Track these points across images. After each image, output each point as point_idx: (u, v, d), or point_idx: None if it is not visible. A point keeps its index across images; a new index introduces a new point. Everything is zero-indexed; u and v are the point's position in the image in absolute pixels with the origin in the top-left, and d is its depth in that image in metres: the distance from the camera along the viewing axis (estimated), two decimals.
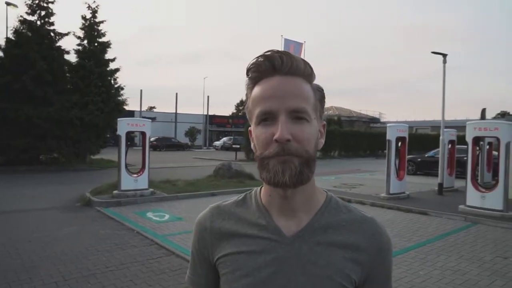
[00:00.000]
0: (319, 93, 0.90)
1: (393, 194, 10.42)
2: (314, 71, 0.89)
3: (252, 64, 0.86)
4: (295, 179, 0.80)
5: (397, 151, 11.06)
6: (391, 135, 10.68)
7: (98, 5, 19.95)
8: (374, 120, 61.74)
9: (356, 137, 33.70)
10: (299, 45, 26.58)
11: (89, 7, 19.76)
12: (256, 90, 0.86)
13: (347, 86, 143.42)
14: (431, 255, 5.77)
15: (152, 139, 37.73)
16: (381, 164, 11.75)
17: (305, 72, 0.86)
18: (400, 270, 5.07)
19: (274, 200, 0.89)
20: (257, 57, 0.85)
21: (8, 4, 21.42)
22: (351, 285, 0.87)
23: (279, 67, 0.83)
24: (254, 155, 0.87)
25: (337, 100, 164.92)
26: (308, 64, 0.87)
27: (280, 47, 25.52)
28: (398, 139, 10.98)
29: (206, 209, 0.99)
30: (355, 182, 14.51)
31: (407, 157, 12.36)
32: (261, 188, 0.95)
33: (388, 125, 11.27)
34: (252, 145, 0.89)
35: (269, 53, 0.85)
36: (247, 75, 0.88)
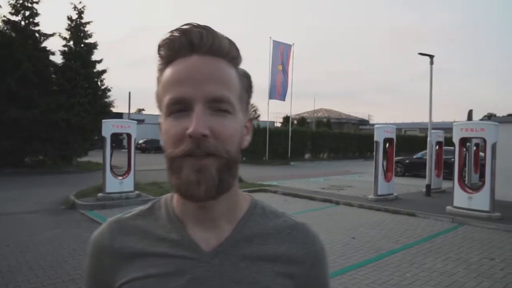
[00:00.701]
0: (246, 81, 0.75)
1: (381, 196, 10.41)
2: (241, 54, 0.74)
3: (164, 40, 0.69)
4: (213, 191, 0.65)
5: (385, 152, 11.06)
6: (378, 137, 10.67)
7: (84, 6, 19.71)
8: (363, 122, 62.16)
9: (345, 139, 33.86)
10: (288, 47, 26.59)
11: (75, 7, 19.51)
12: (168, 72, 0.68)
13: (336, 88, 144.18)
14: (418, 257, 5.73)
15: (140, 141, 37.56)
16: (370, 165, 11.74)
17: (230, 53, 0.70)
18: (387, 273, 5.02)
19: (189, 209, 0.72)
20: (172, 31, 0.68)
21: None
22: None
23: (197, 44, 0.67)
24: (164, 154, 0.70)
25: (326, 102, 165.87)
26: (234, 44, 0.72)
27: (269, 48, 25.55)
28: (386, 140, 10.98)
29: (103, 224, 0.79)
30: (343, 184, 14.50)
31: (395, 158, 12.39)
32: (172, 194, 0.77)
33: (375, 126, 11.28)
34: (162, 142, 0.71)
35: (187, 27, 0.68)
36: (158, 53, 0.70)
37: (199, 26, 0.68)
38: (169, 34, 0.69)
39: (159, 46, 0.70)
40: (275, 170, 21.05)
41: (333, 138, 32.75)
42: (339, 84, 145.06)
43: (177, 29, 0.68)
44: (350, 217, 8.67)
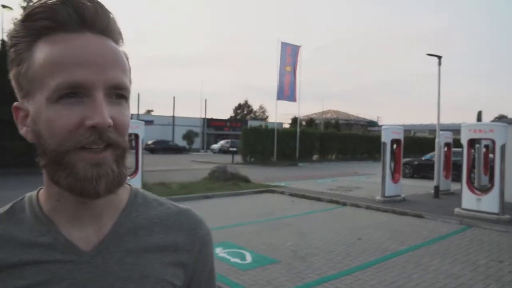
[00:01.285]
0: (128, 63, 0.66)
1: (389, 197, 10.35)
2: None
3: (40, 7, 0.58)
4: (114, 185, 0.60)
5: (393, 154, 11.00)
6: (386, 138, 10.62)
7: None
8: (372, 123, 61.87)
9: (354, 140, 33.75)
10: (296, 48, 26.60)
11: None
12: (51, 49, 0.58)
13: (345, 89, 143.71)
14: (424, 258, 5.69)
15: (149, 142, 37.74)
16: (378, 167, 11.68)
17: (119, 33, 0.63)
18: (392, 274, 4.99)
19: (65, 206, 0.64)
20: None
21: (4, 6, 21.46)
22: None
23: (91, 20, 0.59)
24: (39, 151, 0.61)
25: (335, 103, 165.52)
26: (116, 21, 0.64)
27: (276, 50, 25.57)
28: (393, 141, 10.92)
29: None
30: (351, 185, 14.44)
31: (404, 160, 12.31)
32: (38, 192, 0.68)
33: (383, 127, 11.22)
34: (23, 131, 0.63)
35: None
36: (25, 21, 0.59)
37: None
38: (48, 1, 0.58)
39: (30, 14, 0.59)
40: (283, 171, 21.03)
41: (342, 139, 32.65)
42: (348, 85, 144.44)
43: None
44: (356, 218, 8.63)
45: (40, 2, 0.58)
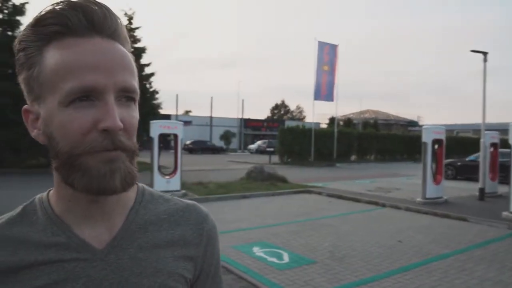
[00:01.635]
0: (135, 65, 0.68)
1: (430, 199, 10.03)
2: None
3: (50, 13, 0.59)
4: (126, 182, 0.61)
5: (434, 154, 10.66)
6: (426, 138, 10.30)
7: (134, 12, 20.62)
8: (412, 123, 60.18)
9: (393, 140, 32.94)
10: (333, 47, 26.32)
11: (125, 14, 20.39)
12: (62, 53, 0.59)
13: (384, 89, 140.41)
14: (469, 264, 5.47)
15: (187, 142, 38.45)
16: (419, 168, 11.35)
17: (126, 36, 0.65)
18: (434, 278, 4.84)
19: (77, 206, 0.65)
20: (58, 3, 0.60)
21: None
22: (186, 285, 0.73)
23: (99, 26, 0.60)
24: (51, 153, 0.62)
25: (373, 103, 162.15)
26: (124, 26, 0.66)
27: (313, 49, 25.37)
28: (435, 141, 10.58)
29: None
30: (391, 186, 14.10)
31: (446, 161, 11.91)
32: (47, 193, 0.70)
33: (423, 127, 10.91)
34: (34, 134, 0.64)
35: (80, 1, 0.60)
36: (36, 26, 0.60)
37: (96, 3, 0.61)
38: (54, 6, 0.60)
39: (41, 19, 0.60)
40: (320, 171, 20.83)
41: (380, 140, 31.96)
42: (387, 85, 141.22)
43: (66, 2, 0.60)
44: (396, 220, 8.43)
45: (50, 7, 0.60)
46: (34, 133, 0.64)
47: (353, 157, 30.39)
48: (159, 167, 10.38)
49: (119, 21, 0.63)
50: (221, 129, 49.12)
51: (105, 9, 0.61)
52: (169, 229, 0.73)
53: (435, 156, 10.77)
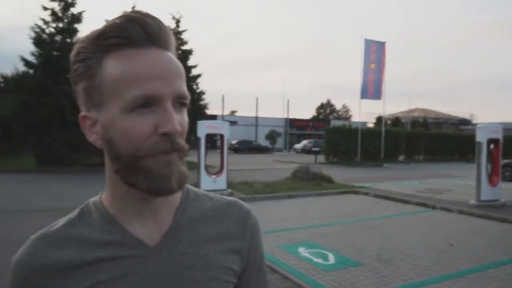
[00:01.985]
0: None
1: (485, 201, 9.56)
2: None
3: (113, 27, 0.64)
4: (182, 182, 0.66)
5: (490, 154, 10.15)
6: (481, 137, 9.83)
7: (181, 16, 21.15)
8: (465, 122, 57.45)
9: (444, 140, 31.67)
10: (380, 45, 25.68)
11: (173, 17, 20.99)
12: (124, 64, 0.63)
13: (434, 86, 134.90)
14: None
15: (233, 142, 38.92)
16: (472, 169, 10.86)
17: (175, 46, 0.70)
18: (491, 286, 4.62)
19: (129, 205, 0.71)
20: (120, 18, 0.64)
21: (106, 21, 23.97)
22: (234, 277, 0.77)
23: (156, 37, 0.65)
24: (110, 156, 0.67)
25: (422, 101, 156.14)
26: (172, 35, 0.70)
27: (360, 48, 24.89)
28: (490, 141, 10.07)
29: (25, 244, 0.71)
30: (441, 187, 13.58)
31: (503, 161, 11.31)
32: (100, 196, 0.76)
33: (477, 126, 10.42)
34: (92, 139, 0.69)
35: (137, 15, 0.65)
36: (97, 38, 0.65)
37: (151, 16, 0.66)
38: (115, 21, 0.65)
39: (103, 33, 0.65)
40: (367, 171, 20.43)
41: (430, 139, 30.82)
42: (437, 82, 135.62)
43: (126, 17, 0.64)
44: (447, 223, 8.12)
45: (111, 22, 0.64)
46: (92, 137, 0.69)
47: (401, 157, 29.50)
48: (206, 167, 10.61)
49: (170, 32, 0.68)
50: (266, 129, 49.32)
51: (159, 21, 0.66)
52: (214, 225, 0.77)
53: (491, 156, 10.26)
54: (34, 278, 0.67)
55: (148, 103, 0.63)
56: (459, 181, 15.84)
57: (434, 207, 9.70)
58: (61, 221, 0.73)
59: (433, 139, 31.01)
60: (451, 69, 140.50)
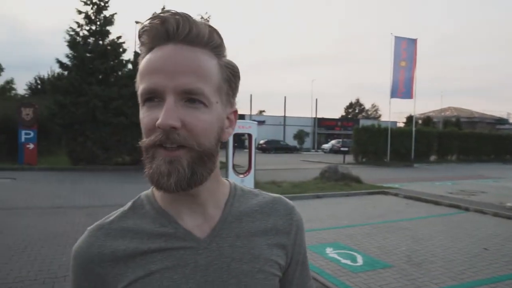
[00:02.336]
0: (228, 71, 0.72)
1: None
2: (225, 43, 0.72)
3: (143, 28, 0.68)
4: (184, 183, 0.65)
5: None
6: None
7: (209, 16, 21.30)
8: (501, 121, 55.43)
9: (478, 139, 30.70)
10: (412, 42, 25.09)
11: (201, 17, 21.18)
12: (144, 60, 0.68)
13: (467, 84, 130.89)
14: None
15: (261, 142, 38.99)
16: (509, 170, 10.48)
17: (210, 41, 0.69)
18: None
19: (177, 198, 0.73)
20: (150, 18, 0.67)
21: (137, 22, 24.64)
22: (280, 271, 0.80)
23: (173, 32, 0.65)
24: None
25: (455, 100, 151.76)
26: (217, 32, 0.70)
27: (390, 46, 24.43)
28: None
29: (84, 235, 0.75)
30: (475, 189, 13.15)
31: None
32: (152, 189, 0.78)
33: None
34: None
35: (164, 14, 0.66)
36: (140, 41, 0.70)
37: (177, 13, 0.66)
38: (149, 21, 0.67)
39: (139, 34, 0.69)
40: (397, 172, 20.03)
41: (463, 139, 29.92)
42: (471, 80, 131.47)
43: (156, 16, 0.67)
44: (481, 225, 7.85)
45: (144, 23, 0.68)
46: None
47: (432, 158, 28.78)
48: (234, 166, 10.67)
49: (195, 26, 0.66)
50: (294, 129, 49.14)
51: (180, 16, 0.65)
52: (261, 220, 0.80)
53: None
54: (93, 266, 0.71)
55: (153, 97, 0.65)
56: (494, 183, 15.31)
57: (467, 209, 9.41)
58: (115, 213, 0.77)
59: (466, 139, 30.11)
60: (487, 66, 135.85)
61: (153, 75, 0.64)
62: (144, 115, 0.66)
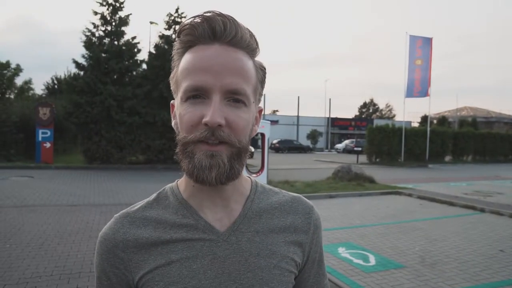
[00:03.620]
0: (262, 73, 0.77)
1: None
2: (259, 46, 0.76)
3: (186, 25, 0.70)
4: (224, 177, 0.69)
5: None
6: None
7: None
8: None
9: (494, 140, 30.23)
10: (427, 40, 24.79)
11: None
12: (188, 58, 0.71)
13: (484, 83, 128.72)
14: None
15: (274, 141, 38.97)
16: None
17: (250, 44, 0.73)
18: None
19: (201, 192, 0.76)
20: (194, 17, 0.70)
21: (151, 22, 24.90)
22: (296, 268, 0.82)
23: (220, 33, 0.69)
24: (176, 138, 0.73)
25: (471, 99, 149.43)
26: (254, 36, 0.74)
27: (405, 45, 24.18)
28: None
29: (111, 221, 0.80)
30: (491, 190, 12.95)
31: None
32: (177, 182, 0.83)
33: None
34: (173, 123, 0.76)
35: (210, 14, 0.69)
36: (178, 37, 0.72)
37: (222, 15, 0.69)
38: (191, 19, 0.70)
39: (180, 31, 0.71)
40: (411, 172, 19.84)
41: (479, 139, 29.49)
42: (488, 79, 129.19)
43: (199, 16, 0.70)
44: (497, 227, 7.73)
45: (188, 20, 0.71)
46: (172, 123, 0.77)
47: (447, 158, 28.42)
48: (247, 165, 10.70)
49: (241, 31, 0.70)
50: (307, 128, 49.00)
51: (226, 19, 0.69)
52: (280, 217, 0.82)
53: None
54: (118, 251, 0.76)
55: (198, 94, 0.68)
56: (511, 184, 15.04)
57: (482, 210, 9.27)
58: (141, 203, 0.81)
59: (482, 139, 29.67)
60: (505, 65, 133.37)
61: (201, 73, 0.67)
62: (187, 111, 0.69)
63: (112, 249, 0.76)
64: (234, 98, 0.69)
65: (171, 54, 0.77)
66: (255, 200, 0.82)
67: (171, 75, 0.76)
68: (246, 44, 0.71)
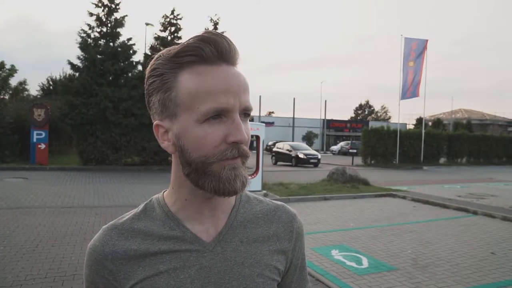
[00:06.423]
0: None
1: None
2: None
3: (187, 46, 0.71)
4: (245, 184, 0.74)
5: None
6: None
7: (219, 18, 21.39)
8: None
9: (489, 142, 30.39)
10: (422, 42, 24.96)
11: (211, 19, 21.30)
12: (200, 80, 0.70)
13: (479, 86, 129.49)
14: None
15: (270, 143, 38.98)
16: None
17: (240, 60, 0.76)
18: None
19: (191, 204, 0.79)
20: (194, 38, 0.71)
21: (147, 24, 24.90)
22: (279, 276, 0.85)
23: (226, 54, 0.72)
24: (181, 161, 0.74)
25: (466, 102, 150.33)
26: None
27: (400, 47, 24.32)
28: None
29: (98, 233, 0.81)
30: (484, 192, 13.06)
31: None
32: (163, 194, 0.85)
33: None
34: (165, 145, 0.77)
35: (210, 35, 0.71)
36: (174, 56, 0.72)
37: (221, 35, 0.72)
38: (192, 40, 0.71)
39: (179, 52, 0.72)
40: (406, 174, 19.94)
41: (474, 141, 29.64)
42: (482, 81, 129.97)
43: (200, 37, 0.71)
44: (489, 229, 7.81)
45: (185, 43, 0.72)
46: (164, 144, 0.77)
47: (442, 160, 28.56)
48: None
49: (237, 49, 0.74)
50: (303, 130, 49.12)
51: (228, 40, 0.72)
52: (264, 226, 0.86)
53: None
54: (107, 263, 0.77)
55: (218, 114, 0.70)
56: (505, 186, 15.19)
57: (475, 213, 9.36)
58: (128, 215, 0.83)
59: (477, 142, 29.83)
60: (499, 67, 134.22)
61: (223, 95, 0.69)
62: (207, 132, 0.70)
63: (101, 260, 0.77)
64: (247, 113, 0.74)
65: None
66: (240, 209, 0.85)
67: (161, 96, 0.74)
68: (239, 60, 0.75)
